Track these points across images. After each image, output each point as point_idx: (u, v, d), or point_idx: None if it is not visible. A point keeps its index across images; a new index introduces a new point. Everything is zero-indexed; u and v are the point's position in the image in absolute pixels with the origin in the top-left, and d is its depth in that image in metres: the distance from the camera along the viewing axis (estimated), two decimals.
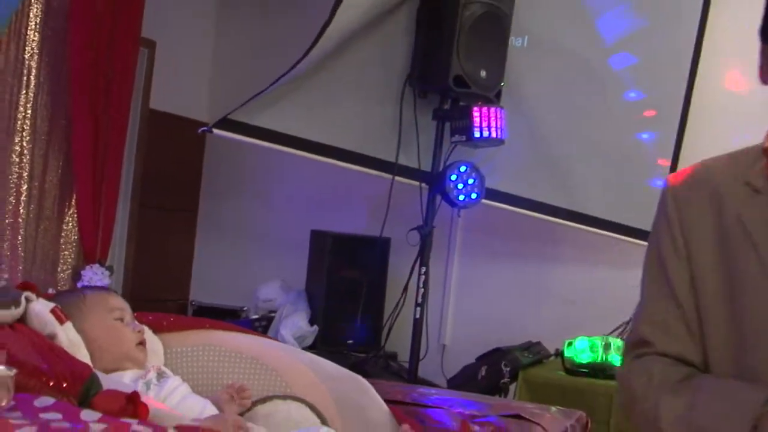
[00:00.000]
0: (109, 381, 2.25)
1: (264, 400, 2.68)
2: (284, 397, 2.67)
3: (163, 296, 5.81)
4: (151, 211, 5.74)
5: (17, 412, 1.90)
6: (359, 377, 2.78)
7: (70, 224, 5.15)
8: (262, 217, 6.07)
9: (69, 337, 2.53)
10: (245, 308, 5.60)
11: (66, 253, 5.16)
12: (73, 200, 5.12)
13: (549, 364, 4.72)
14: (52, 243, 5.08)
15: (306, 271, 5.54)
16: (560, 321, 5.18)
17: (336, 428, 2.54)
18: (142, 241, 5.71)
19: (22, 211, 4.87)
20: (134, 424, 1.89)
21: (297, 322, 5.24)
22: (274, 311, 5.48)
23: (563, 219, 5.09)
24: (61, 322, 2.54)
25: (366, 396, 2.67)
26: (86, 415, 1.91)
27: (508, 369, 4.59)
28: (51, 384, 2.18)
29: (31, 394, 2.02)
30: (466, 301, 5.62)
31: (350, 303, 5.30)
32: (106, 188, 5.16)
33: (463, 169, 4.80)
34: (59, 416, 1.90)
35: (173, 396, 2.54)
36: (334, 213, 5.76)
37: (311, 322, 5.30)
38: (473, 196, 4.83)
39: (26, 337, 2.38)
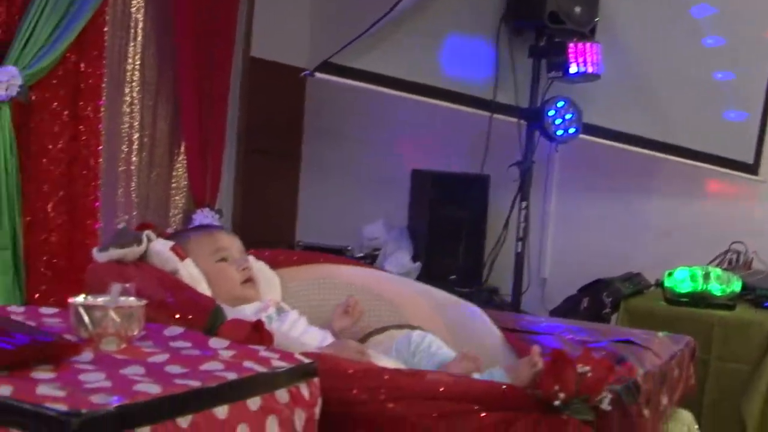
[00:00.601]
0: (232, 313, 2.25)
1: (380, 330, 2.67)
2: (400, 327, 2.65)
3: (270, 238, 5.80)
4: (255, 156, 5.74)
5: (149, 341, 1.90)
6: (471, 304, 2.74)
7: (180, 170, 5.18)
8: (363, 158, 6.03)
9: (190, 273, 2.53)
10: (350, 247, 5.59)
11: (177, 198, 5.19)
12: (182, 147, 5.16)
13: (649, 294, 4.62)
14: (163, 189, 5.13)
15: (408, 209, 5.53)
16: (659, 252, 5.10)
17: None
18: (249, 186, 5.71)
19: (134, 159, 4.92)
20: (261, 350, 1.88)
21: (401, 259, 5.23)
22: (378, 249, 5.48)
23: (659, 151, 4.98)
24: (182, 259, 2.54)
25: (479, 323, 2.63)
26: (215, 342, 1.91)
27: (609, 300, 4.52)
28: (177, 317, 2.19)
29: (160, 324, 2.02)
30: (565, 235, 5.55)
31: (451, 239, 5.28)
32: (212, 135, 5.19)
33: (560, 104, 4.73)
34: (188, 344, 1.89)
35: (295, 328, 2.54)
36: (433, 152, 5.70)
37: (414, 259, 5.29)
38: (571, 130, 4.76)
39: (150, 274, 2.39)
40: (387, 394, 2.02)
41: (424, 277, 5.14)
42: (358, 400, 2.03)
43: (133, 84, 4.87)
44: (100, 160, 4.40)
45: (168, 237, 2.68)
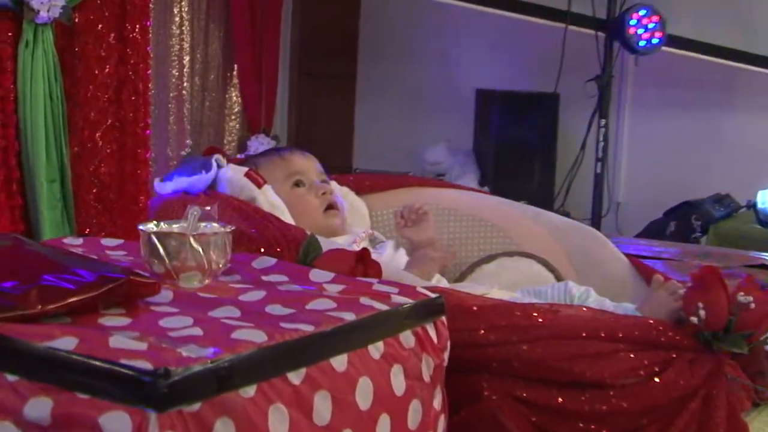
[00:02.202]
0: (326, 244, 1.87)
1: (488, 259, 2.28)
2: (511, 254, 2.27)
3: (327, 163, 5.45)
4: (310, 79, 5.39)
5: (236, 275, 1.54)
6: (592, 229, 2.36)
7: (233, 95, 4.87)
8: (423, 79, 5.60)
9: (270, 200, 2.15)
10: (410, 173, 5.22)
11: (231, 124, 4.89)
12: (235, 71, 4.84)
13: (740, 216, 4.29)
14: (217, 114, 4.82)
15: (472, 131, 5.16)
16: (745, 172, 4.69)
17: None
18: (304, 110, 5.39)
19: (185, 83, 4.59)
20: (375, 283, 1.51)
21: (467, 184, 4.85)
22: (443, 174, 5.14)
23: (746, 64, 4.57)
24: (259, 186, 2.16)
25: (603, 248, 2.24)
26: (316, 275, 1.53)
27: (698, 223, 4.19)
28: (262, 250, 1.81)
29: (246, 254, 1.65)
30: (641, 156, 5.14)
31: (521, 162, 4.94)
32: (266, 57, 4.91)
33: (642, 12, 4.32)
34: (285, 278, 1.52)
35: (394, 261, 2.17)
36: (498, 69, 5.29)
37: (481, 184, 4.94)
38: (654, 41, 4.35)
39: (226, 203, 2.02)
40: (519, 335, 1.66)
41: None
42: (487, 341, 1.66)
43: (183, 3, 4.53)
44: (150, 85, 4.08)
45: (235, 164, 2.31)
